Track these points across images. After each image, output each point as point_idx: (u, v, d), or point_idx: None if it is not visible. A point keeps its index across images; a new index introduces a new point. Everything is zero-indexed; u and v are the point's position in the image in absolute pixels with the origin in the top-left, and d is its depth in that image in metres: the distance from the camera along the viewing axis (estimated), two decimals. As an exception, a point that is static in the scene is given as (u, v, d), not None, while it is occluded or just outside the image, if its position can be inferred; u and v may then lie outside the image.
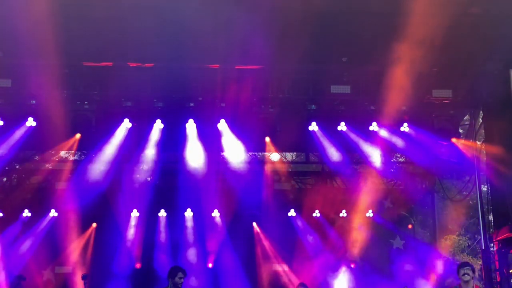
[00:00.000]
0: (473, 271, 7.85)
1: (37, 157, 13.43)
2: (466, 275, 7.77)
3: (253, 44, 10.18)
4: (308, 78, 11.90)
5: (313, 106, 12.71)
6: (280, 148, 13.76)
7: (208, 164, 13.30)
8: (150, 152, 12.95)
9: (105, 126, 12.24)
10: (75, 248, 13.79)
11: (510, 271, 11.81)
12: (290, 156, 14.74)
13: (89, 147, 13.03)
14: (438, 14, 9.45)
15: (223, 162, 13.74)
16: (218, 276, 13.93)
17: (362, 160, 13.49)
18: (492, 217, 12.80)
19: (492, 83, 11.82)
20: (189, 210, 14.35)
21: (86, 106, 12.13)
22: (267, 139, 13.08)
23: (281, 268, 14.57)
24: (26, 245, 13.54)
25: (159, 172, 13.58)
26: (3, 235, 13.25)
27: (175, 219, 14.25)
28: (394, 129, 12.60)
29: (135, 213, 14.14)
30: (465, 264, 8.09)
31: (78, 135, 12.46)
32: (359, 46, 10.50)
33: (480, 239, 13.19)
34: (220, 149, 13.11)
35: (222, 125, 12.50)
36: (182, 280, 8.25)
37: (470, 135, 13.52)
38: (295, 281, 13.90)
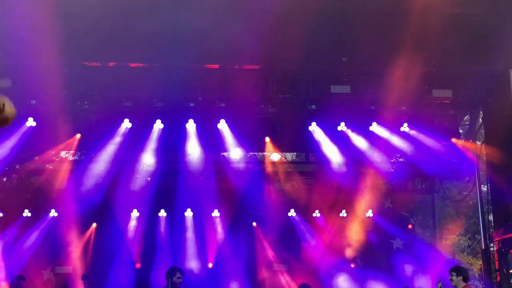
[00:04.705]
0: (457, 275, 7.81)
1: (37, 157, 13.41)
2: (451, 281, 7.85)
3: (253, 44, 10.18)
4: (308, 78, 11.89)
5: (313, 106, 12.70)
6: (280, 148, 13.77)
7: (208, 164, 13.30)
8: (150, 152, 12.95)
9: (105, 126, 12.24)
10: (75, 248, 13.78)
11: (510, 271, 11.81)
12: (290, 156, 14.74)
13: (89, 147, 13.03)
14: (438, 14, 9.45)
15: (223, 162, 13.74)
16: (218, 276, 13.93)
17: (362, 160, 13.48)
18: (492, 217, 12.80)
19: (492, 83, 11.83)
20: (189, 210, 14.36)
21: (86, 106, 12.13)
22: (267, 139, 13.09)
23: (281, 268, 14.57)
24: (26, 245, 13.53)
25: (159, 172, 13.58)
26: (3, 235, 13.24)
27: (175, 219, 14.25)
28: (394, 129, 12.61)
29: (135, 213, 14.14)
30: (450, 269, 8.06)
31: (78, 135, 12.47)
32: (359, 46, 10.49)
33: (480, 239, 13.19)
34: (220, 149, 13.11)
35: (222, 125, 12.50)
36: (180, 279, 8.27)
37: (470, 135, 13.52)
38: (295, 281, 13.90)
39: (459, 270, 7.96)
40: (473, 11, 10.24)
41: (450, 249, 18.67)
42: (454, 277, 7.81)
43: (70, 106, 11.69)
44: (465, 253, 21.10)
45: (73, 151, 13.22)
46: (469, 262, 19.89)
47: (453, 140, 12.83)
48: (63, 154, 13.45)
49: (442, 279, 13.66)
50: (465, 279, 7.82)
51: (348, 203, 14.54)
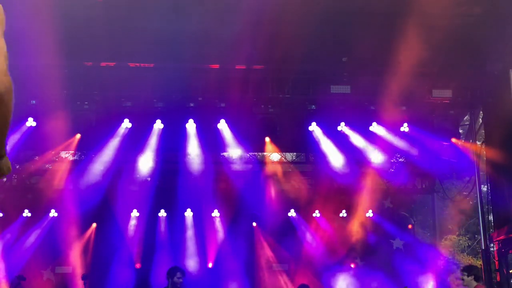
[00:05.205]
0: (468, 274, 7.66)
1: (37, 157, 13.40)
2: (462, 281, 7.73)
3: (253, 44, 10.18)
4: (308, 78, 11.89)
5: (313, 106, 12.70)
6: (280, 148, 13.76)
7: (208, 164, 13.30)
8: (150, 152, 12.95)
9: (105, 126, 12.24)
10: (75, 248, 13.77)
11: (510, 271, 11.81)
12: (290, 156, 14.74)
13: (89, 147, 13.03)
14: (438, 14, 9.46)
15: (223, 162, 13.74)
16: (218, 276, 13.92)
17: (362, 160, 13.48)
18: (492, 217, 12.80)
19: (492, 83, 11.83)
20: (189, 210, 14.35)
21: (86, 106, 12.13)
22: (267, 139, 13.09)
23: (281, 268, 14.56)
24: (26, 245, 13.53)
25: (159, 172, 13.57)
26: (3, 235, 13.24)
27: (175, 219, 14.24)
28: (394, 129, 12.60)
29: (135, 213, 14.14)
30: (461, 269, 8.00)
31: (78, 135, 12.46)
32: (359, 46, 10.49)
33: (480, 239, 13.18)
34: (220, 149, 13.11)
35: (222, 125, 12.50)
36: (181, 280, 8.29)
37: (470, 135, 13.52)
38: (295, 281, 13.89)
39: (470, 269, 7.83)
40: (473, 11, 10.24)
41: (450, 249, 18.66)
42: (465, 277, 7.65)
43: (70, 106, 11.69)
44: (465, 253, 21.09)
45: (73, 151, 13.21)
46: (469, 262, 19.88)
47: (453, 140, 12.83)
48: (63, 154, 13.45)
49: (442, 279, 13.72)
50: (477, 278, 7.64)
51: (348, 203, 14.54)
